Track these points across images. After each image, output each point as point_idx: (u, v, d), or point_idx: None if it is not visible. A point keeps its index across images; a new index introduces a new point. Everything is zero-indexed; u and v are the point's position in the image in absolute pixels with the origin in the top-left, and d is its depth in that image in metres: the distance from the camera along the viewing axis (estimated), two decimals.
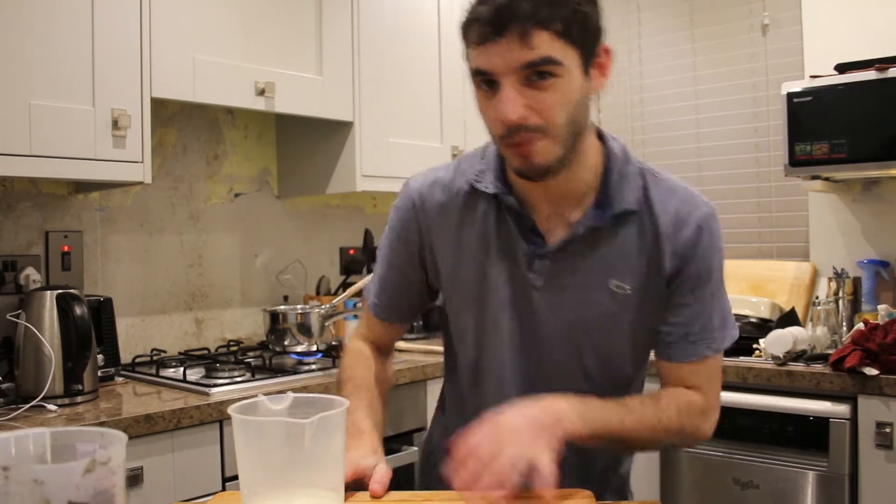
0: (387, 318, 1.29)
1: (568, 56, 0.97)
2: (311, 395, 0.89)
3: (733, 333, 1.17)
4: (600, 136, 1.13)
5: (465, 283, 1.17)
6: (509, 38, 0.94)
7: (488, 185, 1.13)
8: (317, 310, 2.33)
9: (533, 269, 1.11)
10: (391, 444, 2.17)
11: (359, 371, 1.25)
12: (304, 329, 2.30)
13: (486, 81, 0.99)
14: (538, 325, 1.13)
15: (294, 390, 0.93)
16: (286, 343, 2.30)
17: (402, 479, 2.14)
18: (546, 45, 0.95)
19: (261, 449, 0.82)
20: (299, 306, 2.44)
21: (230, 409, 0.83)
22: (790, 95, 2.41)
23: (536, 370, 1.15)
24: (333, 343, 2.38)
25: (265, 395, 0.89)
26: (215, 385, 1.90)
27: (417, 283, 1.26)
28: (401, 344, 2.57)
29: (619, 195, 1.08)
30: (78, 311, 1.79)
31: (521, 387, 1.14)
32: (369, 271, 2.90)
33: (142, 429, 1.65)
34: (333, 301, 2.49)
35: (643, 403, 1.07)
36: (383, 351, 1.33)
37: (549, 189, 1.08)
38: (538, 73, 0.96)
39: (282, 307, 2.40)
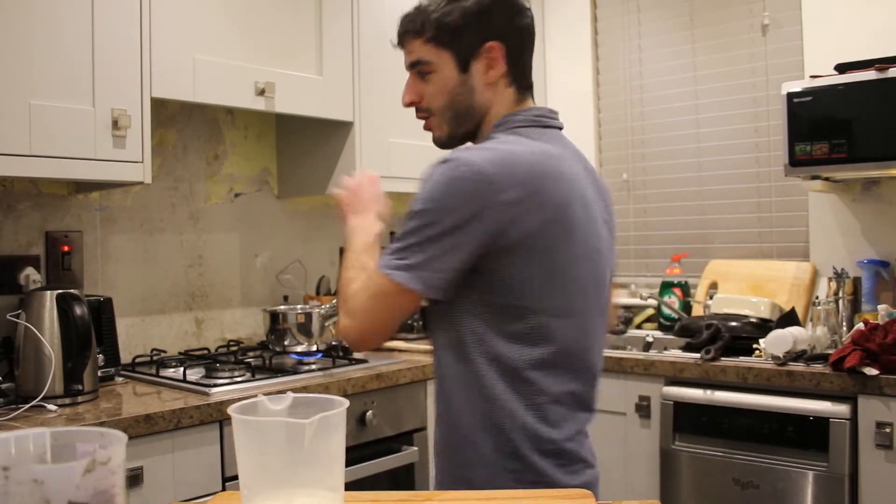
0: None
1: (439, 56, 1.30)
2: (311, 395, 0.89)
3: (395, 263, 1.20)
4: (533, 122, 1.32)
5: None
6: (403, 46, 1.35)
7: None
8: (317, 310, 2.33)
9: None
10: (391, 444, 2.17)
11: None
12: (304, 329, 2.30)
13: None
14: None
15: (294, 390, 0.93)
16: (286, 343, 2.30)
17: (402, 479, 2.16)
18: (418, 49, 1.31)
19: (260, 449, 0.82)
20: (299, 306, 2.44)
21: (230, 410, 0.83)
22: (790, 95, 2.40)
23: None
24: (333, 343, 2.38)
25: (265, 395, 0.89)
26: (215, 385, 1.90)
27: None
28: (400, 344, 2.57)
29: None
30: (78, 311, 1.79)
31: None
32: None
33: (142, 429, 1.66)
34: (333, 301, 2.49)
35: (367, 253, 1.31)
36: None
37: None
38: (418, 71, 1.32)
39: (282, 307, 2.40)
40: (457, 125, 1.33)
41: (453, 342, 1.24)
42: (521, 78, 1.32)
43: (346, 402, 0.85)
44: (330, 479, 0.84)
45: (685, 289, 2.89)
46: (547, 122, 1.31)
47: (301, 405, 0.86)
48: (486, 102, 1.31)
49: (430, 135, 1.38)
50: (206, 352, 2.41)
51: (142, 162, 1.98)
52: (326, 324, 2.33)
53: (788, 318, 2.35)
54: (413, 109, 1.37)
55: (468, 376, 1.22)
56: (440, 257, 1.17)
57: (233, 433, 0.82)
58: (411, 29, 1.31)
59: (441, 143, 1.37)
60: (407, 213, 1.21)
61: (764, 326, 2.37)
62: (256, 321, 2.66)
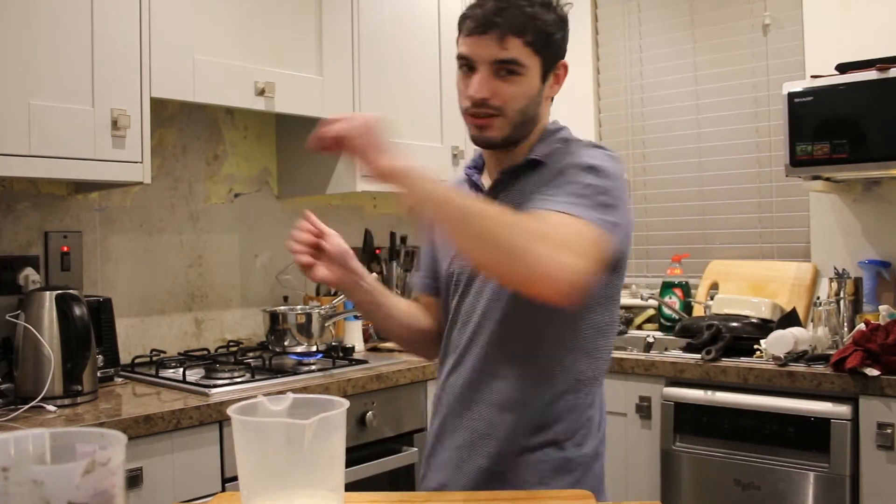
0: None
1: (531, 61, 1.26)
2: (311, 395, 0.88)
3: (607, 230, 1.15)
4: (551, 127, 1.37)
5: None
6: (490, 37, 1.23)
7: (467, 170, 1.42)
8: (317, 310, 2.33)
9: None
10: (391, 444, 2.17)
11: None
12: (304, 330, 2.29)
13: (467, 65, 1.27)
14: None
15: (294, 391, 0.93)
16: (286, 343, 2.30)
17: (402, 480, 2.15)
18: (516, 49, 1.24)
19: (261, 450, 0.82)
20: (299, 307, 2.44)
21: (229, 410, 0.83)
22: (791, 95, 2.40)
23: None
24: (333, 344, 2.38)
25: (265, 395, 0.88)
26: (215, 385, 1.90)
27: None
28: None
29: (533, 151, 1.32)
30: (77, 311, 1.79)
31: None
32: (369, 271, 2.90)
33: (141, 429, 1.65)
34: (333, 301, 2.48)
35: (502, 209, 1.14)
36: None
37: (501, 161, 1.34)
38: (506, 69, 1.24)
39: (282, 308, 2.40)
40: (519, 130, 1.30)
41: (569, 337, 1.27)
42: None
43: (346, 403, 0.85)
44: (330, 479, 0.83)
45: (686, 289, 2.89)
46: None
47: (301, 406, 0.86)
48: (542, 114, 1.34)
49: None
50: (205, 352, 2.40)
51: (141, 162, 1.97)
52: (326, 324, 2.33)
53: (789, 319, 2.34)
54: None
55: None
56: (624, 228, 1.21)
57: (232, 434, 0.82)
58: (514, 26, 1.23)
59: (491, 144, 1.31)
60: (581, 166, 1.23)
61: (765, 327, 2.37)
62: (256, 321, 2.65)
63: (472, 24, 1.25)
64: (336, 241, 1.44)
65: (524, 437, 1.24)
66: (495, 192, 1.33)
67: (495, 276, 1.17)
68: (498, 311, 1.26)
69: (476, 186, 1.38)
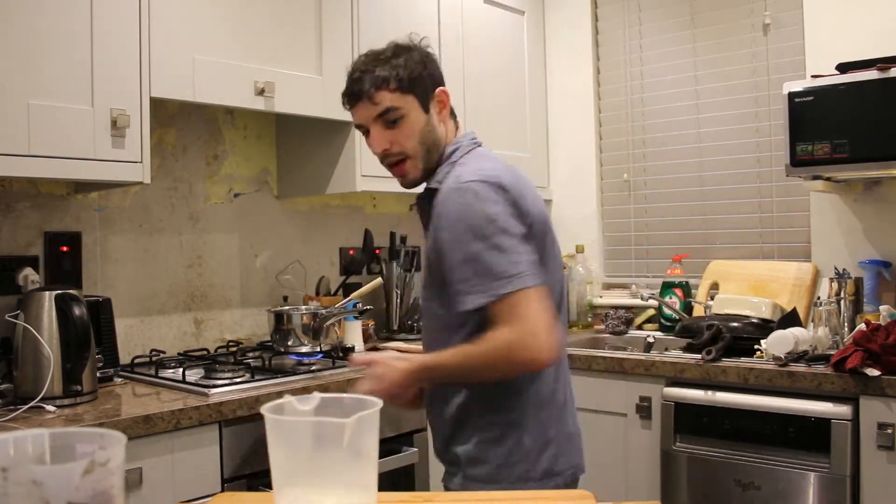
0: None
1: (406, 102, 1.46)
2: (339, 395, 0.90)
3: (515, 282, 1.32)
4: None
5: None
6: (362, 103, 1.48)
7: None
8: (323, 311, 2.33)
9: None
10: (391, 444, 2.17)
11: None
12: (308, 330, 2.29)
13: (363, 130, 1.52)
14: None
15: (293, 391, 0.93)
16: (290, 343, 2.30)
17: (402, 480, 2.15)
18: (387, 99, 1.45)
19: (296, 448, 0.82)
20: (303, 307, 2.44)
21: (262, 409, 0.83)
22: (791, 95, 2.40)
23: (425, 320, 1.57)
24: (336, 344, 2.37)
25: (290, 395, 0.88)
26: (214, 386, 1.90)
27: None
28: (401, 345, 2.57)
29: (433, 178, 1.50)
30: (77, 311, 1.79)
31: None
32: (369, 272, 2.90)
33: (141, 430, 1.65)
34: (337, 304, 2.48)
35: (473, 345, 1.36)
36: None
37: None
38: (387, 119, 1.46)
39: (286, 307, 2.40)
40: (429, 160, 1.49)
41: None
42: (452, 111, 1.57)
43: (379, 402, 0.86)
44: (364, 477, 0.85)
45: (686, 289, 2.88)
46: (479, 142, 1.56)
47: (329, 405, 0.87)
48: (442, 136, 1.52)
49: None
50: (205, 352, 2.40)
51: (141, 162, 1.97)
52: (326, 324, 2.33)
53: (790, 319, 2.34)
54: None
55: None
56: (524, 255, 1.36)
57: (266, 434, 0.82)
58: (375, 83, 1.44)
59: (414, 183, 1.52)
60: (455, 236, 1.36)
61: (765, 327, 2.37)
62: (256, 322, 2.65)
63: (346, 101, 1.52)
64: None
65: None
66: (419, 212, 1.57)
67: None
68: None
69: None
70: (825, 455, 2.05)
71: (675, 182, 3.08)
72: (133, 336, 2.36)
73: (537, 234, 1.41)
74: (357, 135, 2.53)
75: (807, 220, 2.74)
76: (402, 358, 1.43)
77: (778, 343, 2.18)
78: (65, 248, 2.18)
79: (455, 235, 1.35)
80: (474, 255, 1.32)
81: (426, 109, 1.49)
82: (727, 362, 2.23)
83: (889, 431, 1.96)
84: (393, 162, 1.49)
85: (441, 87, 1.52)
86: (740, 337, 2.34)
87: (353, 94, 1.49)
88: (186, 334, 2.49)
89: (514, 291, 1.31)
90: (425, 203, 1.51)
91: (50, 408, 1.74)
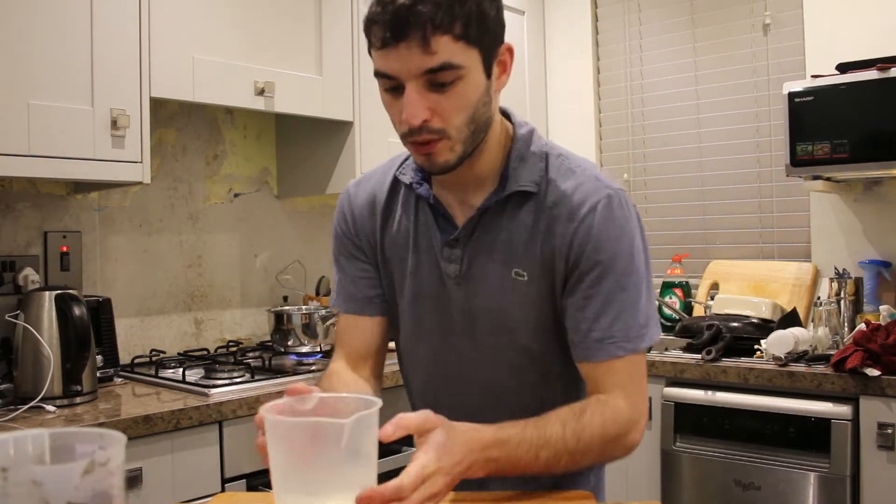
0: (361, 309, 1.23)
1: (469, 58, 0.98)
2: (338, 394, 0.89)
3: (653, 334, 1.06)
4: (511, 120, 1.15)
5: (390, 276, 1.19)
6: (409, 43, 0.94)
7: (407, 175, 1.16)
8: (323, 311, 2.33)
9: (444, 258, 1.12)
10: (391, 444, 2.16)
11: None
12: (309, 330, 2.29)
13: (390, 85, 1.02)
14: (455, 317, 1.13)
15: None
16: (290, 343, 2.30)
17: None
18: (446, 49, 0.95)
19: (295, 449, 0.82)
20: (304, 307, 2.44)
21: (262, 410, 0.82)
22: (791, 95, 2.40)
23: (456, 367, 1.14)
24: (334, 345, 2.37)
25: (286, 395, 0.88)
26: (214, 386, 1.89)
27: (374, 274, 1.24)
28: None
29: (515, 176, 1.08)
30: (77, 311, 1.78)
31: (443, 385, 1.16)
32: None
33: (141, 430, 1.65)
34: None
35: (565, 424, 0.98)
36: (372, 363, 1.22)
37: (454, 175, 1.08)
38: (440, 79, 0.97)
39: (287, 307, 2.40)
40: (472, 144, 1.04)
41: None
42: None
43: (379, 402, 0.85)
44: (364, 477, 0.84)
45: (686, 289, 2.88)
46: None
47: (328, 405, 0.86)
48: (493, 115, 1.07)
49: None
50: (205, 352, 2.40)
51: (141, 162, 1.97)
52: (325, 324, 2.33)
53: (790, 319, 2.34)
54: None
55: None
56: (653, 301, 1.10)
57: (266, 434, 0.81)
58: (436, 20, 0.94)
59: (445, 170, 1.05)
60: (620, 266, 1.04)
61: (765, 327, 2.37)
62: (256, 321, 2.65)
63: (382, 32, 0.96)
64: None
65: None
66: (472, 229, 1.10)
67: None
68: None
69: (437, 212, 1.13)
70: (825, 455, 2.04)
71: (674, 182, 3.07)
72: (133, 336, 2.36)
73: None
74: (357, 134, 2.53)
75: (807, 221, 2.74)
76: (455, 429, 0.95)
77: (778, 343, 2.18)
78: (65, 248, 2.18)
79: (622, 267, 1.04)
80: (626, 294, 1.03)
81: (488, 72, 1.02)
82: (727, 362, 2.23)
83: (889, 431, 1.95)
84: (424, 139, 1.01)
85: (506, 44, 1.05)
86: (740, 337, 2.34)
87: (398, 27, 0.94)
88: (186, 334, 2.49)
89: (641, 350, 1.04)
90: (493, 212, 1.10)
91: (50, 408, 1.74)
